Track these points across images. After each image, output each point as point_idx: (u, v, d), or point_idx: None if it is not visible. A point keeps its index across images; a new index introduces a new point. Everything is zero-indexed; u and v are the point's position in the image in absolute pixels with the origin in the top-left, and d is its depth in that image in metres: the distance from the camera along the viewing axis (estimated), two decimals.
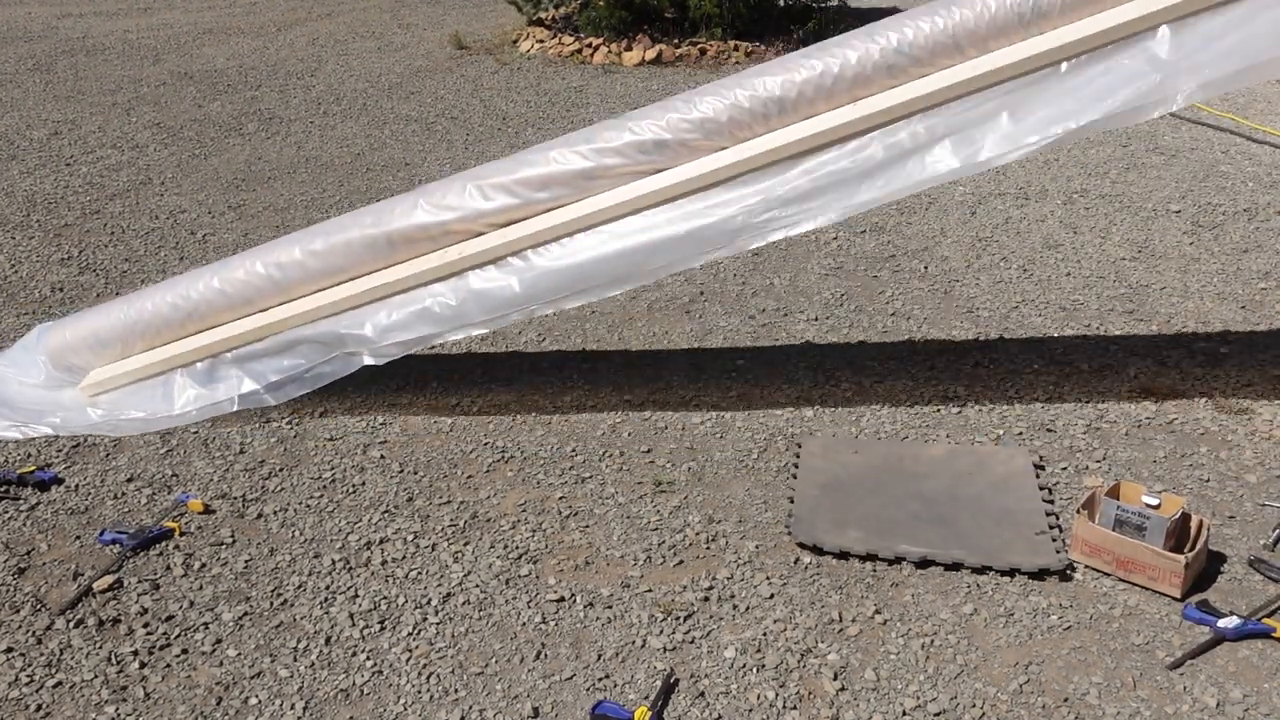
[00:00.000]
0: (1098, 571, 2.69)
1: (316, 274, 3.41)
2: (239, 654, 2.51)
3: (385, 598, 2.69)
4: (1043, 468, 3.13)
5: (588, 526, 2.96)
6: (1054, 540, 2.75)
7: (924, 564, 2.72)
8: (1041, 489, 2.99)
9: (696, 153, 3.15)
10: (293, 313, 3.42)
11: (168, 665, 2.48)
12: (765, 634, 2.52)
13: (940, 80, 3.00)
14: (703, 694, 2.35)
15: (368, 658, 2.48)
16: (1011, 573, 2.67)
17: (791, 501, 3.00)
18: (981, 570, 2.69)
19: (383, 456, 3.34)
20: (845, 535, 2.82)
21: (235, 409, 3.48)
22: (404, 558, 2.85)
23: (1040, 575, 2.66)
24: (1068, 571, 2.67)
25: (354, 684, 2.41)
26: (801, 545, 2.82)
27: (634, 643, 2.51)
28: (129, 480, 3.24)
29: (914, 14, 3.08)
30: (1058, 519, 2.87)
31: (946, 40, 3.00)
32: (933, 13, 3.02)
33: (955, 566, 2.71)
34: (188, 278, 3.62)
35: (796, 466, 3.17)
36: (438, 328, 3.28)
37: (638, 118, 3.22)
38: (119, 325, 3.60)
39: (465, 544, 2.90)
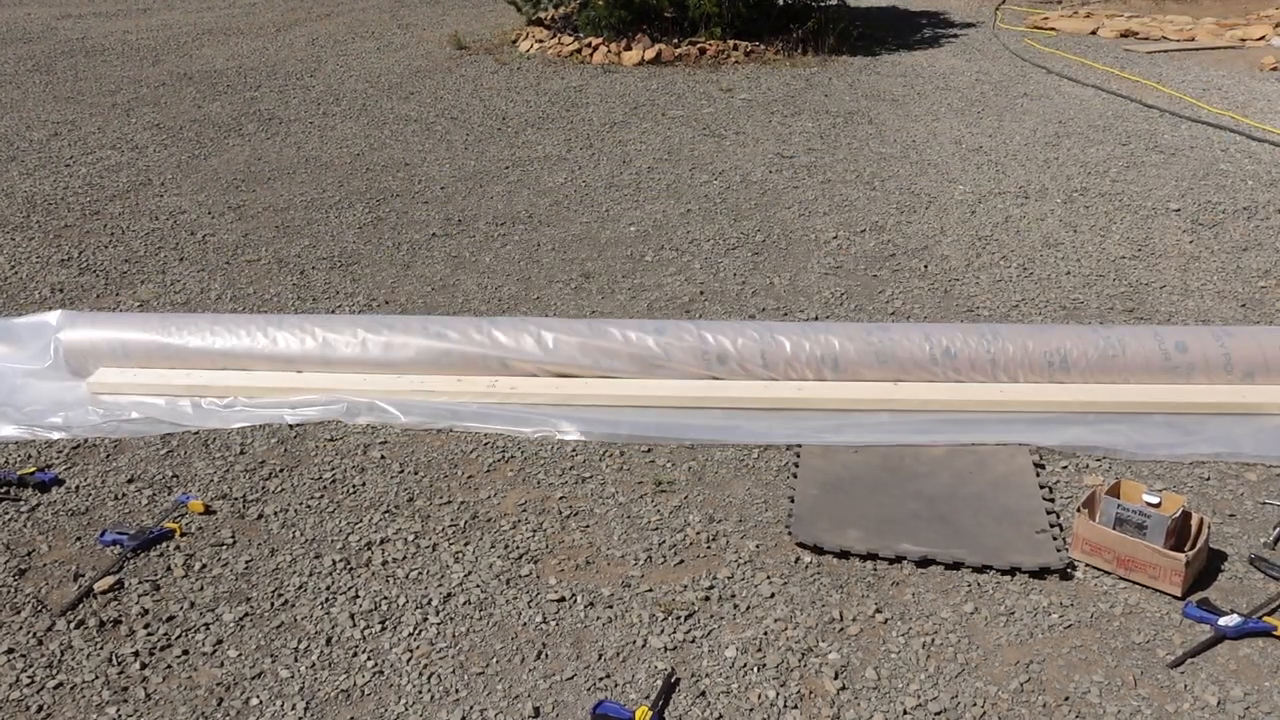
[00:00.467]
0: (1098, 570, 2.69)
1: (371, 362, 3.65)
2: (240, 654, 2.51)
3: (386, 598, 2.68)
4: (1043, 466, 3.13)
5: (588, 526, 2.96)
6: (1055, 539, 2.75)
7: (925, 563, 2.72)
8: (1041, 488, 2.99)
9: (751, 375, 3.56)
10: (334, 385, 3.63)
11: (168, 666, 2.48)
12: (766, 633, 2.52)
13: (966, 393, 3.50)
14: (704, 693, 2.35)
15: (369, 658, 2.48)
16: (1012, 571, 2.67)
17: (792, 501, 3.00)
18: (982, 569, 2.68)
19: (383, 457, 3.34)
20: (846, 535, 2.82)
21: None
22: (404, 558, 2.84)
23: (1041, 574, 2.66)
24: (1069, 570, 2.67)
25: (355, 684, 2.41)
26: (801, 545, 2.82)
27: (635, 642, 2.51)
28: (129, 481, 3.24)
29: (966, 328, 3.57)
30: (1058, 518, 2.87)
31: (985, 362, 3.49)
32: (981, 333, 3.54)
33: (956, 565, 2.71)
34: (236, 319, 3.79)
35: (797, 466, 3.17)
36: (464, 422, 3.52)
37: (712, 329, 3.61)
38: (152, 346, 3.71)
39: (466, 544, 2.90)
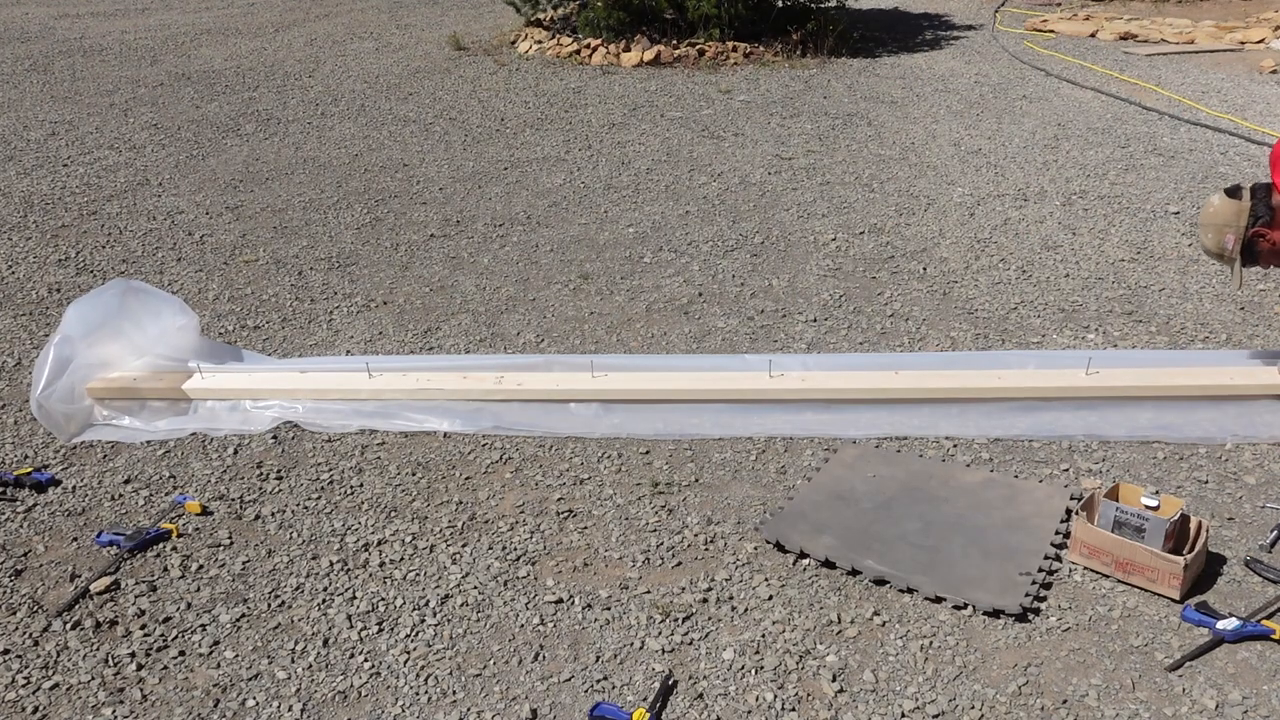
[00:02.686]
0: (1096, 573, 2.68)
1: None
2: (236, 656, 2.50)
3: (383, 599, 2.68)
4: (1074, 511, 2.90)
5: (586, 528, 2.96)
6: (1032, 583, 2.61)
7: (879, 582, 2.66)
8: (1057, 533, 2.83)
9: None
10: (335, 386, 3.68)
11: (165, 667, 2.47)
12: (764, 635, 2.51)
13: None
14: (701, 695, 2.34)
15: (366, 659, 2.48)
16: (966, 606, 2.57)
17: (790, 500, 2.99)
18: (936, 600, 2.60)
19: (380, 458, 3.33)
20: (817, 540, 2.79)
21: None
22: (402, 559, 2.84)
23: (995, 614, 2.54)
24: (1026, 615, 2.54)
25: (352, 686, 2.40)
26: (768, 542, 2.82)
27: (632, 644, 2.50)
28: (126, 482, 3.23)
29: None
30: (1058, 560, 2.74)
31: None
32: None
33: (909, 591, 2.63)
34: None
35: (817, 470, 3.15)
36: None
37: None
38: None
39: (463, 545, 2.89)
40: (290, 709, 2.34)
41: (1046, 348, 3.96)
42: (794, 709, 2.30)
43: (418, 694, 2.37)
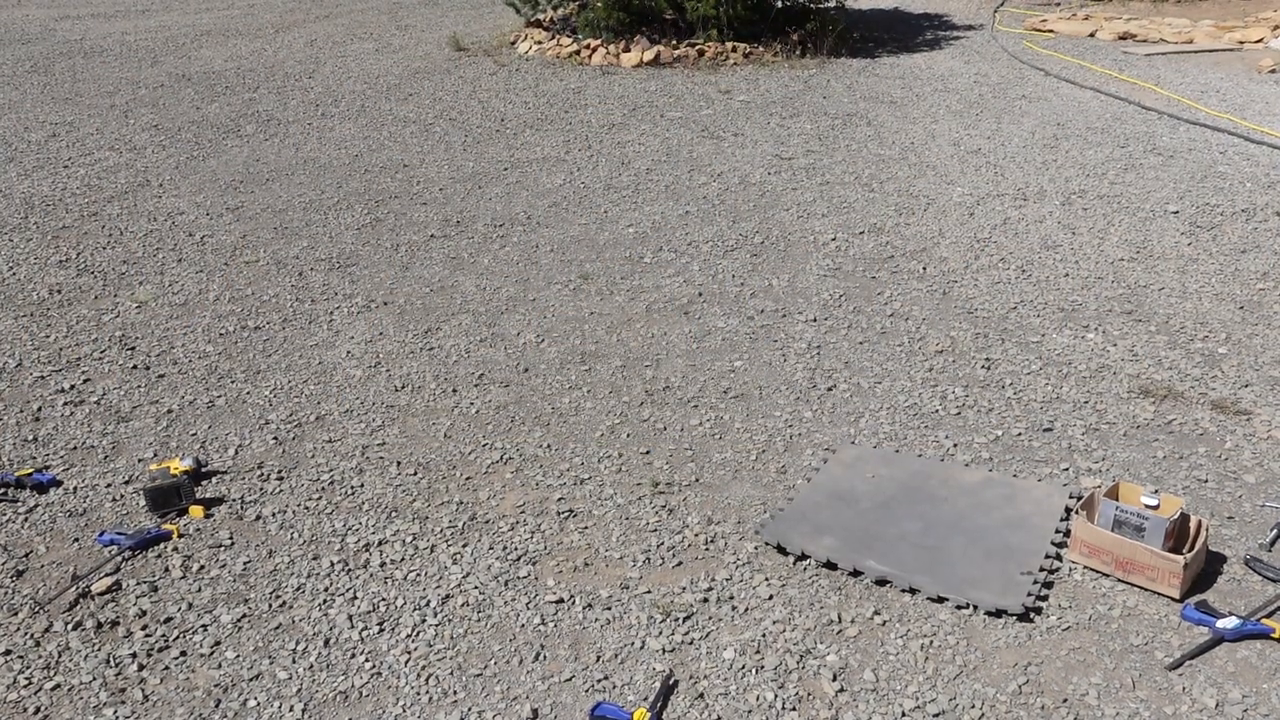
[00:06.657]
0: (1096, 572, 2.69)
1: None
2: (238, 656, 2.50)
3: (384, 599, 2.68)
4: (1073, 510, 2.89)
5: (586, 528, 2.96)
6: (1034, 583, 2.62)
7: (881, 583, 2.67)
8: (1058, 531, 2.83)
9: None
10: None
11: (166, 667, 2.47)
12: (764, 635, 2.52)
13: None
14: (702, 695, 2.35)
15: (366, 659, 2.48)
16: (968, 606, 2.57)
17: (790, 502, 2.99)
18: (938, 600, 2.60)
19: (381, 458, 3.34)
20: (819, 541, 2.79)
21: None
22: (403, 559, 2.84)
23: (997, 614, 2.55)
24: (1028, 615, 2.54)
25: (353, 686, 2.40)
26: (768, 544, 2.82)
27: (633, 644, 2.51)
28: (127, 482, 3.23)
29: None
30: (1058, 559, 2.75)
31: None
32: None
33: (912, 591, 2.64)
34: None
35: (816, 471, 3.15)
36: None
37: None
38: None
39: (464, 545, 2.89)
40: (291, 709, 2.34)
41: (1046, 347, 3.96)
42: (794, 708, 2.30)
43: (419, 694, 2.37)
